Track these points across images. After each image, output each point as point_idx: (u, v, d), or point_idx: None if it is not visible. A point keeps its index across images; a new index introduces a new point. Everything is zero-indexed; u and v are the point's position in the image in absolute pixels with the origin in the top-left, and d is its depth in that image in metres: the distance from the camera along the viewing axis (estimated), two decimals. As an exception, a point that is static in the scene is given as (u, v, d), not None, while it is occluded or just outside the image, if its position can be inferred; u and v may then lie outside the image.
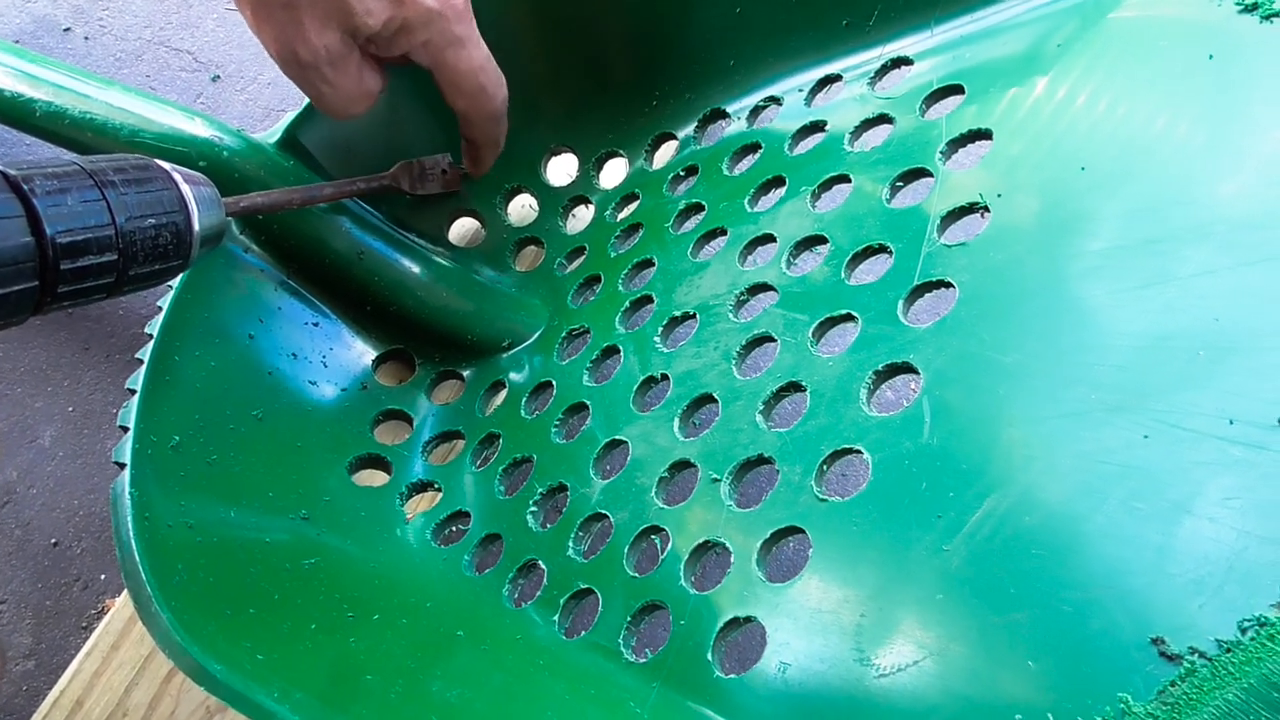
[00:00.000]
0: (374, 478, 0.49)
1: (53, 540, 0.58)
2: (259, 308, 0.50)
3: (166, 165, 0.34)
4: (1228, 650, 0.23)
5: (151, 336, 0.45)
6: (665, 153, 0.56)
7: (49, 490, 0.59)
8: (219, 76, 0.67)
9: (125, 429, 0.41)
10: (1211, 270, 0.30)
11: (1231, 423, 0.26)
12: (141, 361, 0.44)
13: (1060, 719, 0.25)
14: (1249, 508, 0.25)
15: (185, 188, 0.34)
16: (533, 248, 0.57)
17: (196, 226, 0.34)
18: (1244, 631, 0.23)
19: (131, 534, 0.37)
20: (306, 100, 0.51)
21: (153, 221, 0.32)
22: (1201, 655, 0.23)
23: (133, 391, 0.43)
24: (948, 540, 0.30)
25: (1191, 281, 0.30)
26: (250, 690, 0.31)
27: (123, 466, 0.40)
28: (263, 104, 0.67)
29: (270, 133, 0.51)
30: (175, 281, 0.47)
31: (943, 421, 0.33)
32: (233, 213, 0.38)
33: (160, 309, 0.46)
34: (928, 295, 0.38)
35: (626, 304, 0.48)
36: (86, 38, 0.68)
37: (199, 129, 0.49)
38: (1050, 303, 0.33)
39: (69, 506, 0.59)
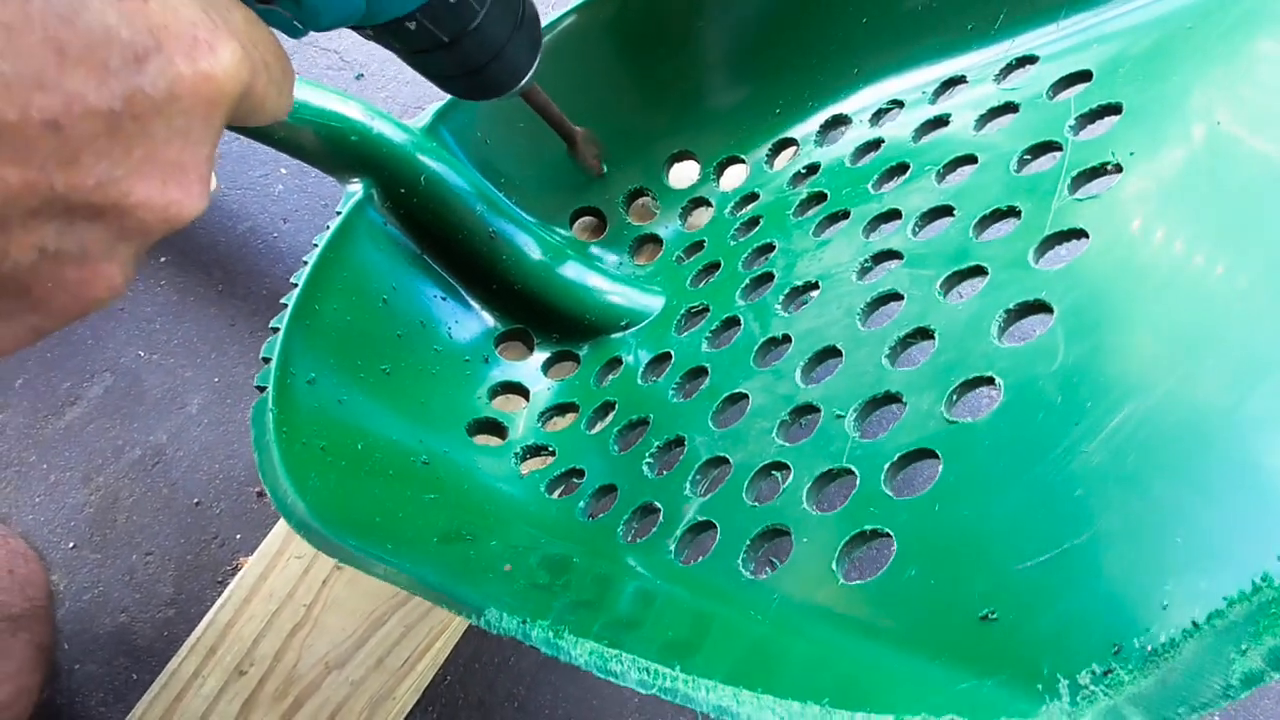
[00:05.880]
0: (490, 442, 0.50)
1: (195, 500, 0.62)
2: (394, 276, 0.52)
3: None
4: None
5: (296, 286, 0.47)
6: (786, 157, 0.57)
7: (194, 454, 0.63)
8: (362, 75, 0.73)
9: (267, 360, 0.43)
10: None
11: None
12: (286, 306, 0.46)
13: (1215, 582, 0.23)
14: None
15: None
16: (651, 245, 0.59)
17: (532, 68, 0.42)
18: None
19: (272, 440, 0.39)
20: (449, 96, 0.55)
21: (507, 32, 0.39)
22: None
23: (276, 330, 0.45)
24: (1087, 442, 0.29)
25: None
26: (386, 557, 0.31)
27: (262, 390, 0.42)
28: (401, 101, 0.72)
29: (418, 119, 0.54)
30: (320, 242, 0.49)
31: (1077, 344, 0.32)
32: (521, 89, 0.43)
33: (306, 263, 0.48)
34: (1059, 247, 0.38)
35: (746, 281, 0.49)
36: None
37: (353, 110, 0.52)
38: (1193, 232, 0.33)
39: (211, 470, 0.62)
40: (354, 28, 0.34)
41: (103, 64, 0.20)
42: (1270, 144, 0.33)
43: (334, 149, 0.52)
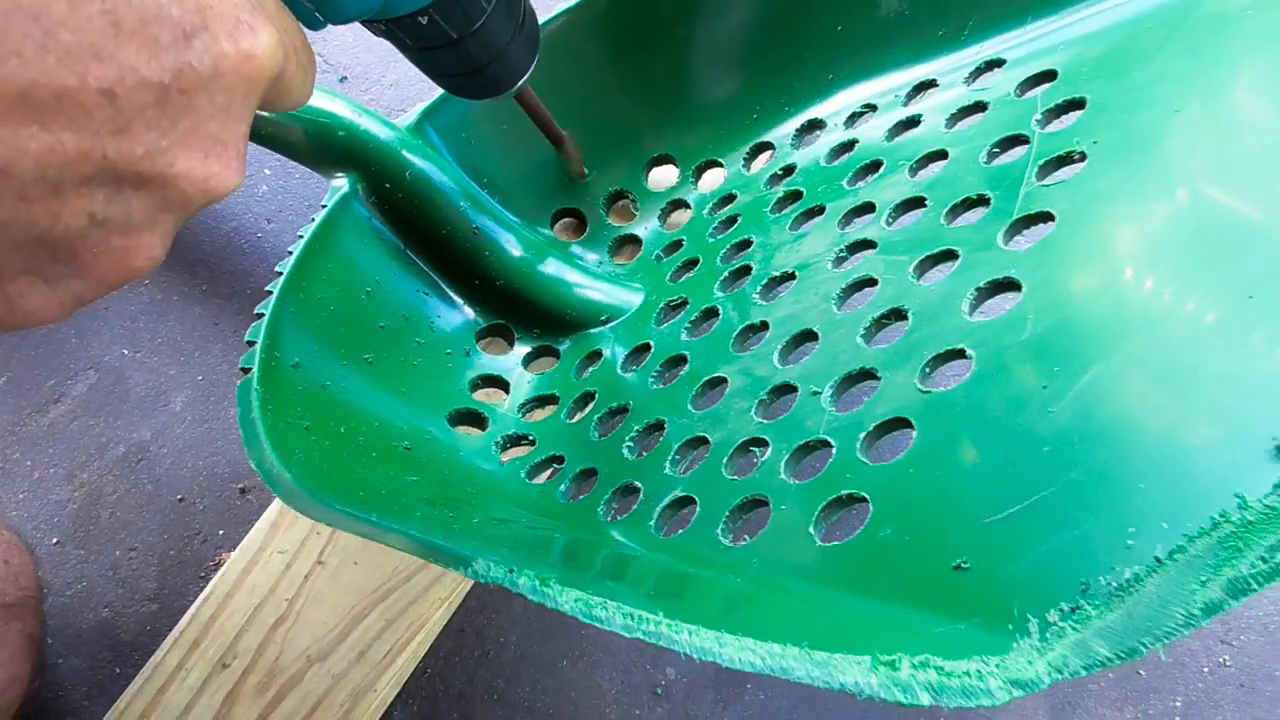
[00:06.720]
0: (470, 432, 0.51)
1: (179, 496, 0.62)
2: (378, 270, 0.53)
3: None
4: (1347, 441, 0.23)
5: (281, 274, 0.48)
6: (763, 160, 0.59)
7: (178, 450, 0.63)
8: (346, 77, 0.74)
9: (252, 343, 0.44)
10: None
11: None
12: (271, 294, 0.47)
13: (1176, 522, 0.24)
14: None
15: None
16: (631, 245, 0.60)
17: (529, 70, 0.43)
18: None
19: (257, 417, 0.39)
20: (439, 94, 0.56)
21: (509, 33, 0.40)
22: (1319, 451, 0.23)
23: (261, 315, 0.46)
24: (1055, 403, 0.30)
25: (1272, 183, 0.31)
26: (374, 520, 0.32)
27: (247, 371, 0.43)
28: (384, 104, 0.73)
29: (404, 118, 0.56)
30: (306, 233, 0.50)
31: (1046, 316, 0.33)
32: (516, 91, 0.44)
33: (291, 254, 0.49)
34: (1027, 231, 0.39)
35: (725, 274, 0.50)
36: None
37: (340, 107, 0.53)
38: (1149, 211, 0.34)
39: (195, 466, 0.63)
40: (366, 22, 0.35)
41: (154, 39, 0.21)
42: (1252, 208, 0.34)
43: (321, 145, 0.52)
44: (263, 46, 0.24)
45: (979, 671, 0.24)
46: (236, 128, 0.25)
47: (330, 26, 0.33)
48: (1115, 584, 0.24)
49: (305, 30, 0.31)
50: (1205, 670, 0.51)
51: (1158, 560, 0.24)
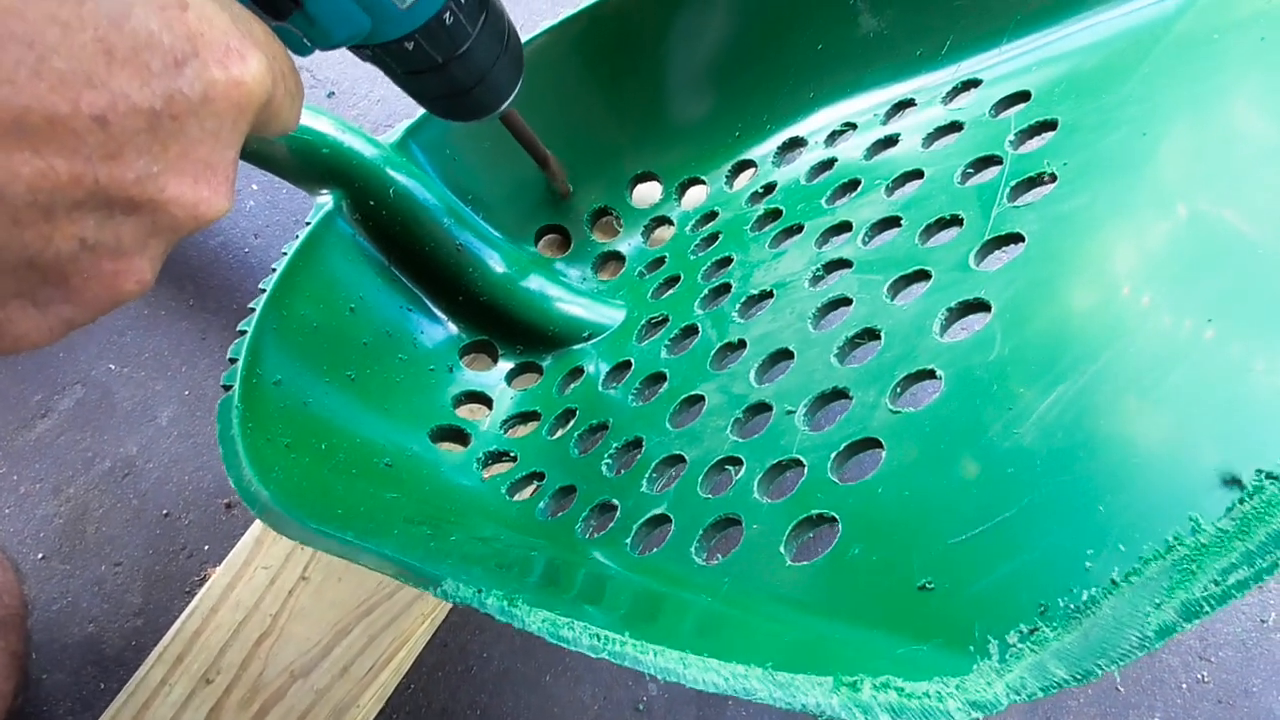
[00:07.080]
0: (452, 449, 0.51)
1: (164, 511, 0.62)
2: (362, 286, 0.53)
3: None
4: (1296, 469, 0.23)
5: (264, 291, 0.48)
6: (745, 177, 0.59)
7: (164, 465, 0.64)
8: (334, 93, 0.74)
9: (234, 360, 0.45)
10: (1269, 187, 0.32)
11: None
12: (254, 311, 0.47)
13: (1132, 545, 0.25)
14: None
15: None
16: (614, 262, 0.61)
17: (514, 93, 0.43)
18: (1313, 453, 0.24)
19: (237, 434, 0.40)
20: (424, 111, 0.56)
21: (493, 56, 0.40)
22: (1270, 476, 0.24)
23: (244, 332, 0.46)
24: (1019, 424, 0.31)
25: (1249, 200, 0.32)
26: (350, 540, 0.32)
27: (229, 388, 0.43)
28: (371, 119, 0.74)
29: (389, 135, 0.56)
30: (290, 250, 0.51)
31: (1014, 336, 0.34)
32: (501, 113, 0.44)
33: (275, 270, 0.50)
34: (998, 251, 0.40)
35: (705, 292, 0.50)
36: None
37: (325, 125, 0.54)
38: (1117, 232, 0.35)
39: (180, 481, 0.63)
40: (353, 47, 0.35)
41: (145, 66, 0.22)
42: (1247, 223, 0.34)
43: (305, 162, 0.53)
44: (252, 73, 0.25)
45: (939, 693, 0.24)
46: (226, 153, 0.25)
47: None
48: (1072, 606, 0.25)
49: (293, 56, 0.31)
50: (1184, 686, 0.52)
51: (1114, 583, 0.24)
